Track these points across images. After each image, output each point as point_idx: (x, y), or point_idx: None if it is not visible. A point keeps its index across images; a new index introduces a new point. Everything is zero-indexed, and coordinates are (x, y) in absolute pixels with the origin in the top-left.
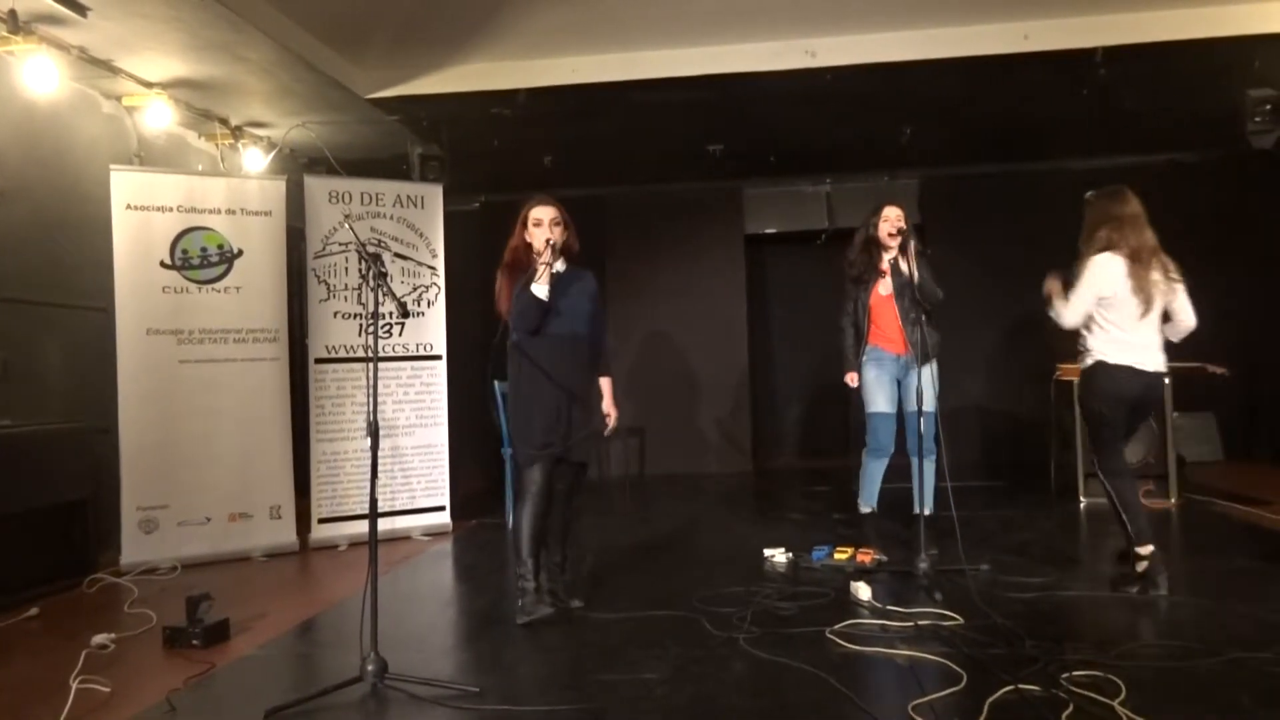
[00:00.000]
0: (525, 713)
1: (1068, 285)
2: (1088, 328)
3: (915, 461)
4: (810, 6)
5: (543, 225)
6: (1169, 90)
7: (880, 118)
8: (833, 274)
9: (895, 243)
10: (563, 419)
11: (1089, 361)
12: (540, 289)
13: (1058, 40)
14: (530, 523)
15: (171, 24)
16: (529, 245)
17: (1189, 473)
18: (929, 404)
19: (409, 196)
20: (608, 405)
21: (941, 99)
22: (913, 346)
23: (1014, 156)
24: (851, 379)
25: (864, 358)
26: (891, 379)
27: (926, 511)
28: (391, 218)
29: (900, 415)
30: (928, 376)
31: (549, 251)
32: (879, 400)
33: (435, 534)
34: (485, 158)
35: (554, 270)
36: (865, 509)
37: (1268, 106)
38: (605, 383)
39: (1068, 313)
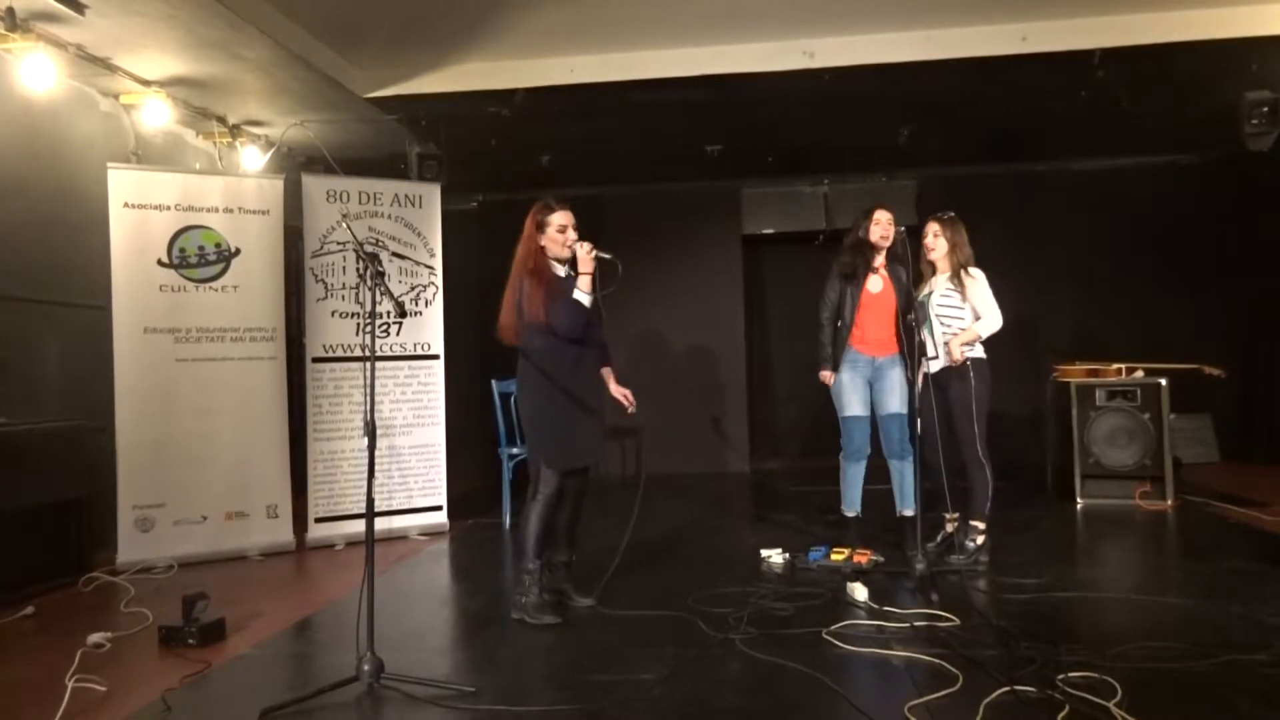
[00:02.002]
0: (521, 713)
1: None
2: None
3: (893, 464)
4: (808, 7)
5: (567, 231)
6: (1166, 92)
7: (878, 118)
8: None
9: (885, 245)
10: (585, 426)
11: (980, 353)
12: (585, 298)
13: (1056, 42)
14: (538, 524)
15: (169, 22)
16: (544, 250)
17: (1185, 474)
18: (900, 406)
19: (407, 196)
20: (618, 390)
21: (940, 100)
22: (902, 344)
23: (1012, 157)
24: (828, 377)
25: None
26: (865, 381)
27: (909, 512)
28: (389, 217)
29: (875, 418)
30: (898, 379)
31: (591, 262)
32: (853, 404)
33: (432, 533)
34: (483, 157)
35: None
36: (849, 513)
37: (1265, 109)
38: (607, 372)
39: (996, 317)
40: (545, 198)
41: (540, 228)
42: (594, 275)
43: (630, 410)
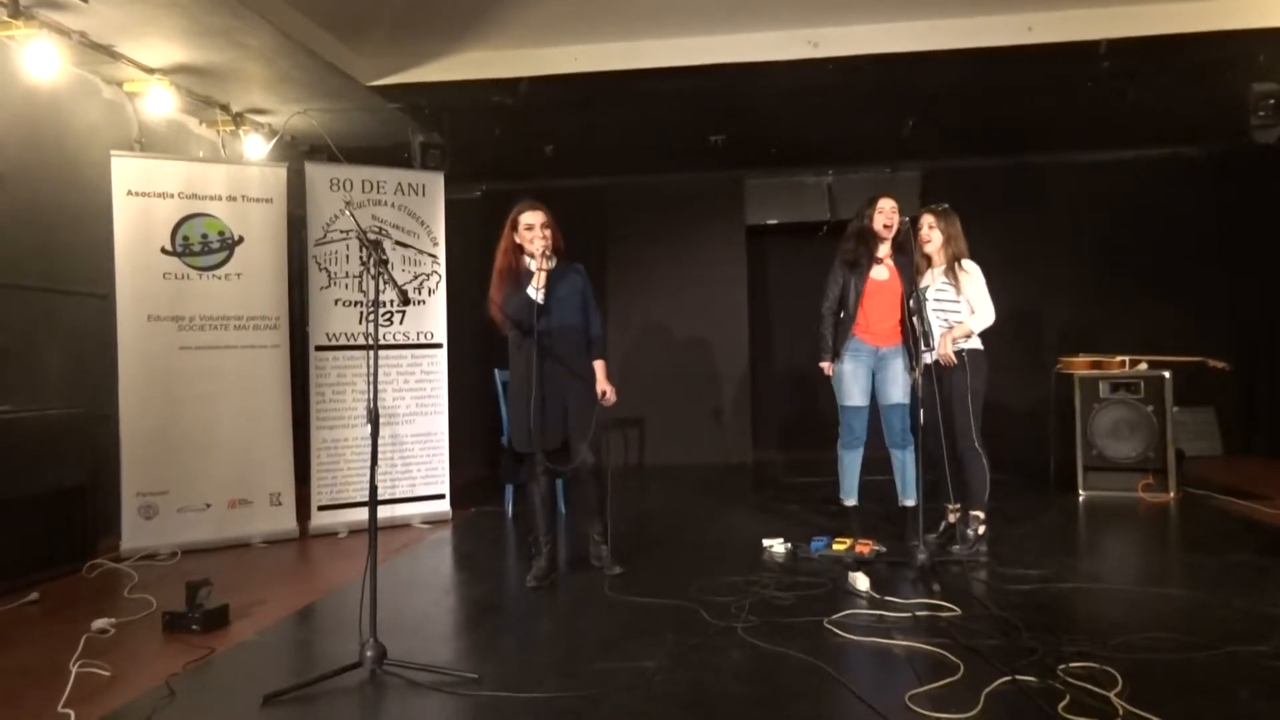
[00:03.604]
0: (523, 700)
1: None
2: (956, 319)
3: (895, 454)
4: None
5: (534, 229)
6: (1172, 84)
7: (882, 109)
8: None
9: (889, 234)
10: (552, 412)
11: (977, 345)
12: (536, 293)
13: (1061, 32)
14: (531, 504)
15: (172, 9)
16: (518, 248)
17: (1188, 467)
18: (902, 396)
19: (410, 184)
20: (601, 385)
21: (944, 91)
22: (911, 335)
23: (1016, 149)
24: (828, 368)
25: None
26: (867, 371)
27: (910, 502)
28: (392, 205)
29: (877, 407)
30: (901, 369)
31: (543, 259)
32: (853, 393)
33: (434, 522)
34: (486, 146)
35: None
36: (848, 502)
37: (1271, 101)
38: (597, 365)
39: (988, 312)
40: (529, 197)
41: (514, 225)
42: (547, 273)
43: (606, 401)
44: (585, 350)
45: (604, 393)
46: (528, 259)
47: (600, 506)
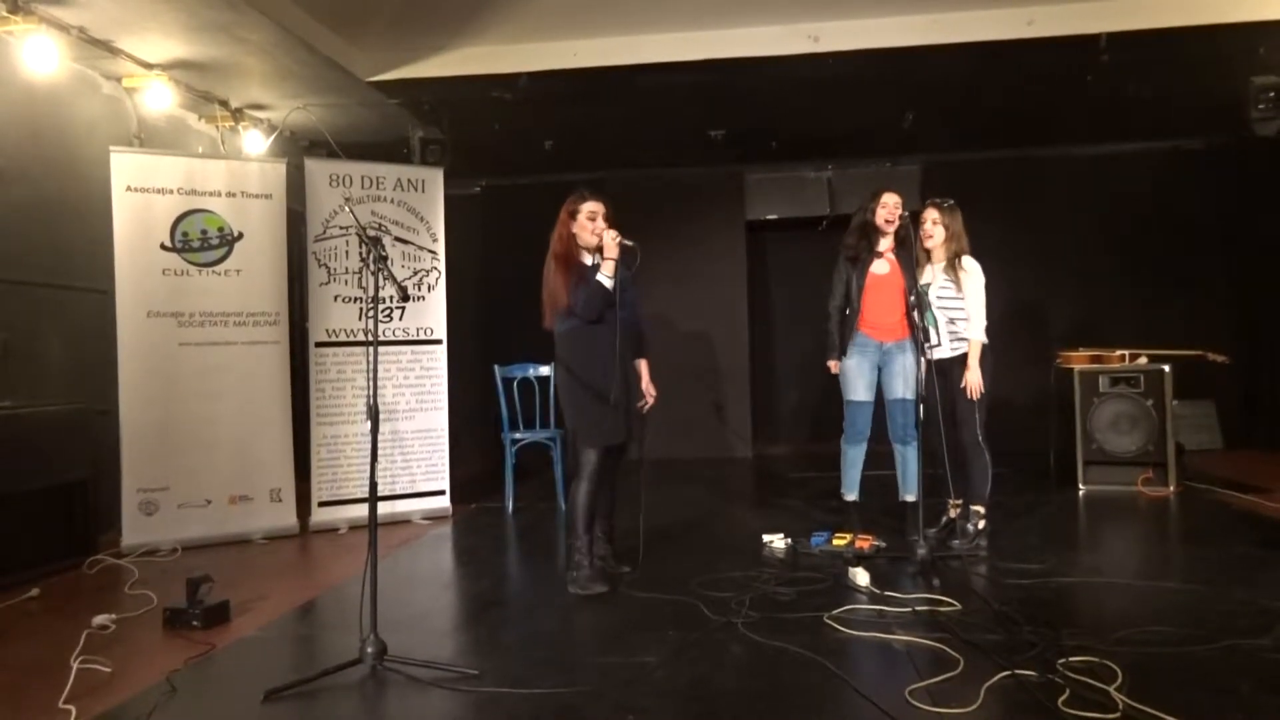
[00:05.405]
0: (523, 695)
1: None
2: (963, 317)
3: (897, 449)
4: None
5: (597, 219)
6: (1173, 77)
7: (883, 103)
8: (834, 260)
9: (890, 229)
10: (620, 404)
11: (987, 340)
12: (607, 280)
13: (1062, 26)
14: (586, 500)
15: (170, 4)
16: (574, 236)
17: (1188, 461)
18: (905, 391)
19: (409, 180)
20: (646, 384)
21: (945, 84)
22: (913, 330)
23: (1017, 142)
24: (833, 366)
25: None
26: (872, 366)
27: (911, 498)
28: (392, 201)
29: (882, 402)
30: (905, 364)
31: (616, 248)
32: (858, 388)
33: (435, 518)
34: (486, 142)
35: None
36: (849, 496)
37: (1271, 94)
38: (643, 364)
39: (980, 318)
40: (580, 187)
41: (572, 215)
42: (618, 261)
43: (643, 406)
44: (637, 345)
45: (648, 393)
46: (583, 251)
47: (612, 504)
